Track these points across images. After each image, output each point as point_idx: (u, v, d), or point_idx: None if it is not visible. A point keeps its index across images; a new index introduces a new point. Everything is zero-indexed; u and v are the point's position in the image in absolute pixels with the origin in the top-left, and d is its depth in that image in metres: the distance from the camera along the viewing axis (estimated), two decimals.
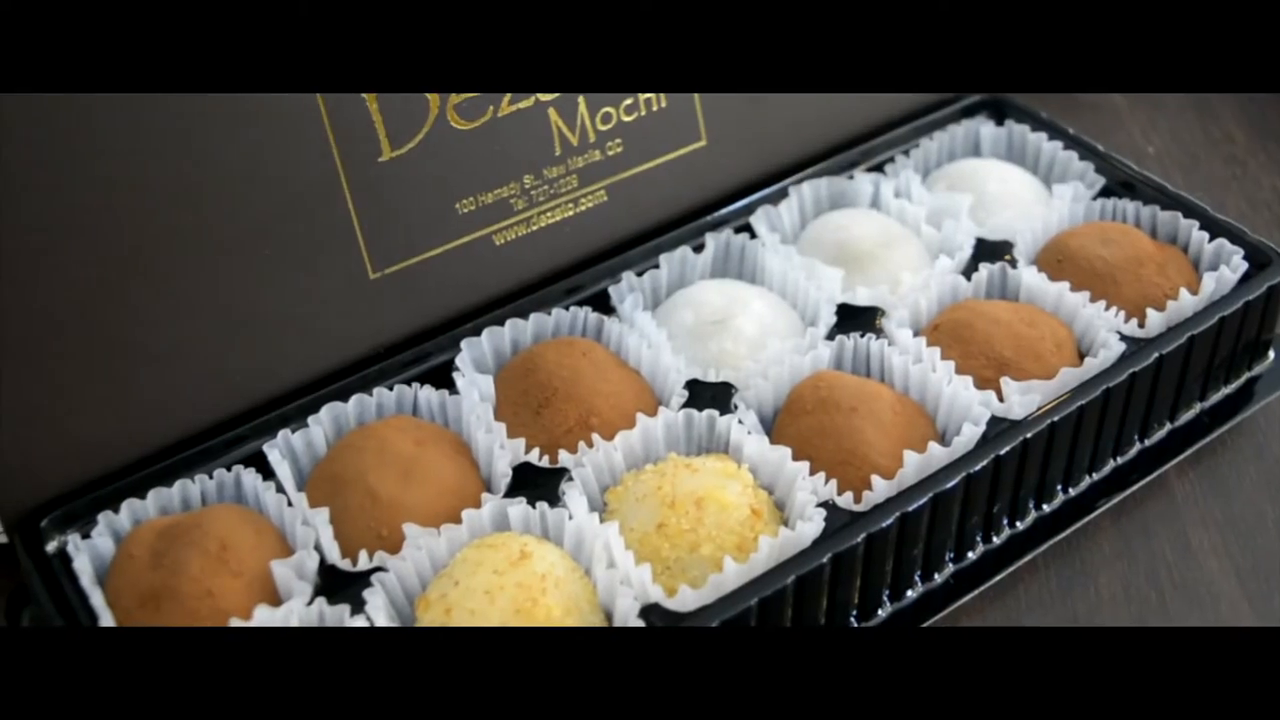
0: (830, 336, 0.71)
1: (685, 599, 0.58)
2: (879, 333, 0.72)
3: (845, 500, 0.62)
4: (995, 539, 0.67)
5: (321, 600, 0.58)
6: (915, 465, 0.63)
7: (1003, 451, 0.64)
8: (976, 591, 0.65)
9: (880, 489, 0.62)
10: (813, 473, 0.63)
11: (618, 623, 0.58)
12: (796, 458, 0.64)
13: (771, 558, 0.59)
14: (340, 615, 0.58)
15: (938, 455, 0.63)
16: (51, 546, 0.62)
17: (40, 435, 0.62)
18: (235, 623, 0.57)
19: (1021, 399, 0.66)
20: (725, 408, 0.67)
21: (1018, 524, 0.68)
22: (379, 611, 0.58)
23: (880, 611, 0.64)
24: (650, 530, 0.61)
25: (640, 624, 0.57)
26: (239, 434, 0.66)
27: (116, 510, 0.62)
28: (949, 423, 0.67)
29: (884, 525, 0.61)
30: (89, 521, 0.62)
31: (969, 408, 0.66)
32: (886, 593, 0.64)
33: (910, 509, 0.62)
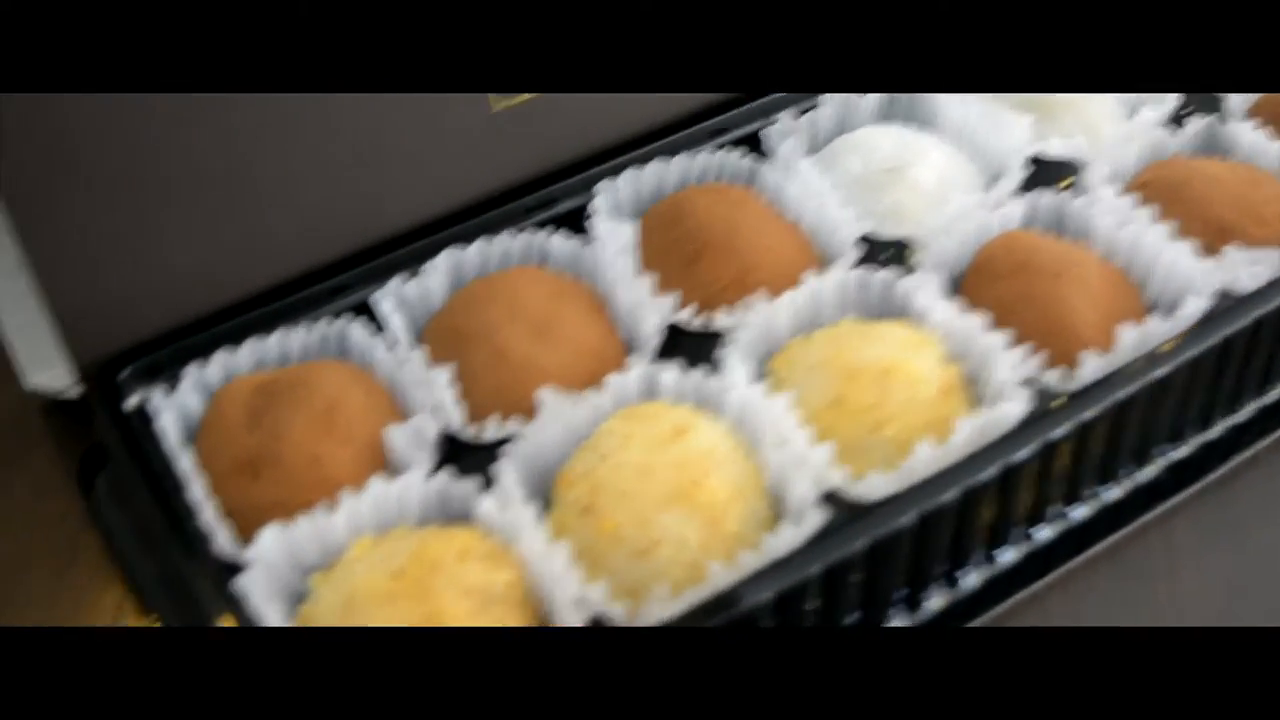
0: (1019, 193, 0.62)
1: (873, 485, 0.49)
2: (1077, 190, 0.62)
3: (1052, 378, 0.53)
4: (1212, 431, 0.59)
5: (444, 473, 0.51)
6: (1133, 341, 0.54)
7: (1231, 331, 0.55)
8: (1195, 487, 0.57)
9: (1092, 367, 0.53)
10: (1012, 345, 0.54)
11: (791, 511, 0.49)
12: (993, 327, 0.55)
13: (970, 442, 0.51)
14: (466, 491, 0.50)
15: (1157, 330, 0.55)
16: (132, 402, 0.55)
17: (121, 270, 0.55)
18: (346, 494, 0.49)
19: (1250, 270, 0.57)
20: (903, 268, 0.58)
21: (1238, 414, 0.59)
22: (513, 487, 0.50)
23: (1084, 509, 0.55)
24: (823, 406, 0.52)
25: (817, 515, 0.48)
26: (345, 280, 0.59)
27: (206, 362, 0.55)
28: (1162, 294, 0.58)
29: (1099, 410, 0.52)
30: (175, 374, 0.55)
31: (1190, 278, 0.57)
32: (1095, 487, 0.55)
33: (1127, 393, 0.53)
